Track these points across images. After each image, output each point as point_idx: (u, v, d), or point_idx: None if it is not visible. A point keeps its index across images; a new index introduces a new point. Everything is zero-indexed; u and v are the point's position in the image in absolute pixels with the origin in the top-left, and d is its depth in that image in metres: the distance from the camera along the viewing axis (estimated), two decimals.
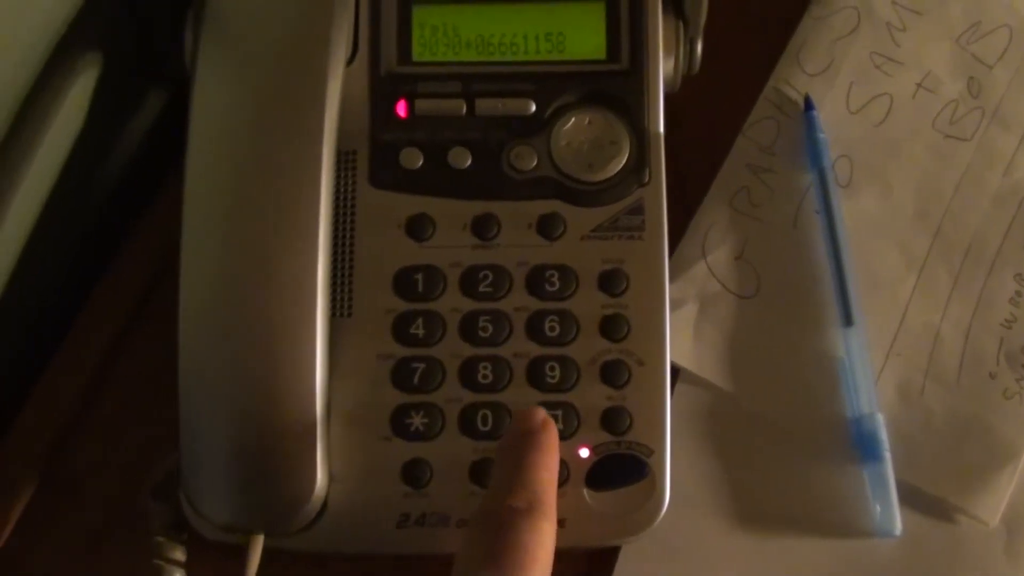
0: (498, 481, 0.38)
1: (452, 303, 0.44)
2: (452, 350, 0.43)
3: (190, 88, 0.43)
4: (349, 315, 0.44)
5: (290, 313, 0.41)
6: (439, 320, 0.43)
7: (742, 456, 0.46)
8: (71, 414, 0.47)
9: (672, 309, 0.45)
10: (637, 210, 0.44)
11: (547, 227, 0.44)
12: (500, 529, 0.35)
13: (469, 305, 0.44)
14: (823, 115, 0.50)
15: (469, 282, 0.44)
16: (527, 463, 0.38)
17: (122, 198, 0.51)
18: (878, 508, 0.45)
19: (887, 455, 0.45)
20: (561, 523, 0.42)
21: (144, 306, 0.48)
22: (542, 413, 0.40)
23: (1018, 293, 0.48)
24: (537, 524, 0.36)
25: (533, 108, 0.45)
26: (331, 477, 0.42)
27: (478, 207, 0.44)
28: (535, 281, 0.44)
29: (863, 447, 0.45)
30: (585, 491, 0.42)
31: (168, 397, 0.41)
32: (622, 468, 0.43)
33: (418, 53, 0.46)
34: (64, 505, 0.46)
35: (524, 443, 0.39)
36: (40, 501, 0.46)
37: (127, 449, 0.46)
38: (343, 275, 0.44)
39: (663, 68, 0.45)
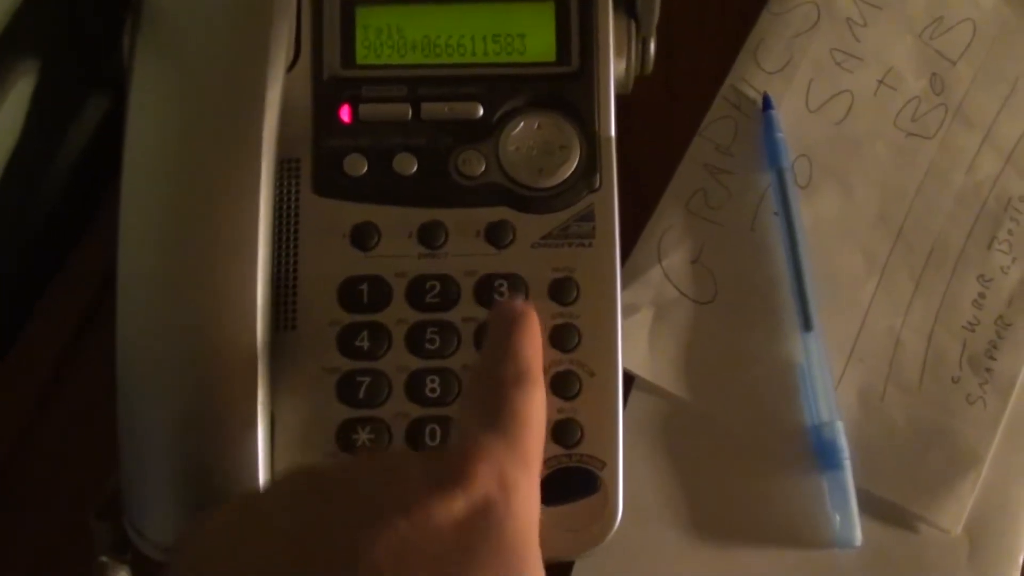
0: (489, 354, 0.38)
1: (398, 314, 0.43)
2: (399, 363, 0.42)
3: (125, 97, 0.41)
4: (293, 328, 0.42)
5: (230, 326, 0.40)
6: (385, 332, 0.42)
7: (699, 466, 0.45)
8: (18, 432, 0.46)
9: (626, 315, 0.44)
10: (588, 217, 0.43)
11: (496, 235, 0.43)
12: (494, 395, 0.36)
13: (416, 316, 0.42)
14: (782, 114, 0.48)
15: (416, 292, 0.43)
16: (514, 338, 0.38)
17: (64, 210, 0.50)
18: (838, 518, 0.44)
19: (847, 463, 0.44)
20: None
21: (92, 319, 0.47)
22: (522, 299, 0.41)
23: (981, 295, 0.47)
24: (530, 389, 0.36)
25: (481, 112, 0.44)
26: None
27: (424, 215, 0.43)
28: (484, 291, 0.43)
29: (822, 455, 0.45)
30: None
31: (115, 414, 0.40)
32: (573, 482, 0.42)
33: (362, 56, 0.44)
34: (12, 524, 0.45)
35: (509, 324, 0.39)
36: None
37: (76, 467, 0.45)
38: (286, 287, 0.43)
39: (614, 69, 0.44)
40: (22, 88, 0.44)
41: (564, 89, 0.44)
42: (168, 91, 0.41)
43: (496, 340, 0.39)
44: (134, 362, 0.40)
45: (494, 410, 0.35)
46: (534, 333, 0.39)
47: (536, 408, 0.36)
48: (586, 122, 0.44)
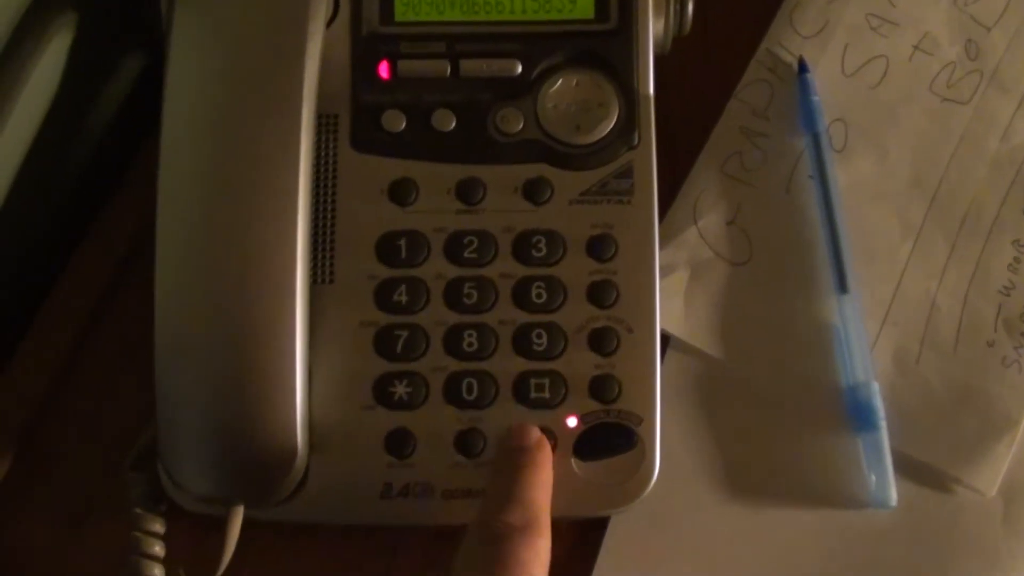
0: (494, 496, 0.38)
1: (436, 269, 0.43)
2: (436, 317, 0.42)
3: (165, 52, 0.41)
4: (331, 282, 0.42)
5: (269, 279, 0.40)
6: (423, 287, 0.42)
7: (734, 426, 0.45)
8: (50, 385, 0.46)
9: (662, 276, 0.44)
10: (626, 174, 0.43)
11: (534, 191, 0.43)
12: (497, 545, 0.36)
13: (454, 271, 0.43)
14: (817, 78, 0.48)
15: (454, 248, 0.43)
16: (523, 481, 0.38)
17: (100, 165, 0.50)
18: (873, 478, 0.44)
19: (883, 424, 0.44)
20: None
21: (123, 274, 0.47)
22: (537, 431, 0.40)
23: (1016, 259, 0.47)
24: (533, 541, 0.36)
25: (519, 69, 0.44)
26: (312, 447, 0.41)
27: (463, 171, 0.43)
28: (521, 247, 0.43)
29: (858, 416, 0.44)
30: (573, 461, 0.41)
31: (151, 366, 0.40)
32: (611, 437, 0.42)
33: (400, 13, 0.44)
34: (46, 476, 0.45)
35: (519, 460, 0.39)
36: (21, 472, 0.45)
37: (108, 421, 0.46)
38: (324, 241, 0.43)
39: (653, 28, 0.44)
40: (60, 42, 0.44)
41: (603, 47, 0.44)
42: (208, 45, 0.42)
43: (501, 480, 0.39)
44: (173, 314, 0.40)
45: (494, 564, 0.35)
46: (545, 472, 0.39)
47: (540, 562, 0.36)
48: (624, 80, 0.44)
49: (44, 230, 0.49)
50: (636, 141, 0.43)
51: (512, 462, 0.39)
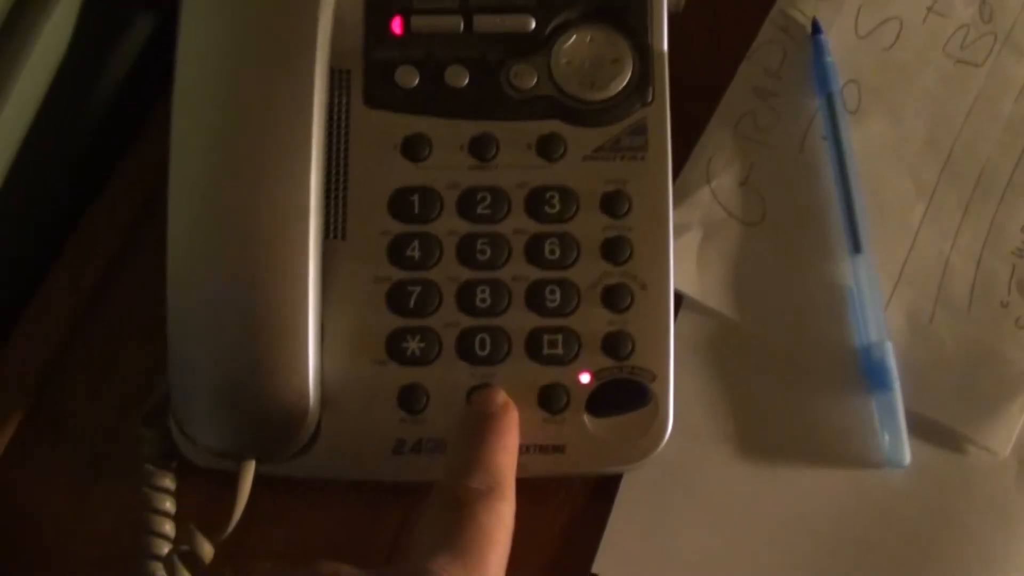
0: (457, 462, 0.38)
1: (449, 225, 0.42)
2: (449, 273, 0.42)
3: (177, 9, 0.41)
4: (343, 237, 0.42)
5: (282, 234, 0.40)
6: (436, 242, 0.42)
7: (747, 385, 0.45)
8: (62, 342, 0.46)
9: (676, 236, 0.43)
10: (640, 130, 0.43)
11: (547, 148, 0.43)
12: (459, 510, 0.35)
13: (467, 227, 0.42)
14: (831, 39, 0.48)
15: (467, 204, 0.43)
16: (487, 446, 0.38)
17: (113, 121, 0.49)
18: (887, 438, 0.44)
19: (896, 384, 0.44)
20: (561, 449, 0.41)
21: (136, 230, 0.47)
22: (502, 395, 0.40)
23: None
24: (496, 505, 0.36)
25: (533, 25, 0.44)
26: (324, 402, 0.41)
27: (476, 127, 0.43)
28: (535, 203, 0.43)
29: (872, 376, 0.44)
30: (586, 417, 0.41)
31: (163, 323, 0.40)
32: (624, 394, 0.42)
33: None
34: (56, 434, 0.45)
35: (483, 425, 0.39)
36: (31, 430, 0.45)
37: (120, 377, 0.45)
38: (337, 196, 0.42)
39: None
40: (68, 3, 0.44)
41: (617, 2, 0.44)
42: (220, 2, 0.41)
43: (466, 444, 0.38)
44: (185, 268, 0.40)
45: (456, 528, 0.35)
46: (510, 436, 0.39)
47: (503, 526, 0.35)
48: (638, 36, 0.44)
49: (55, 190, 0.49)
50: (650, 97, 0.43)
51: (477, 426, 0.39)
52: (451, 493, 0.36)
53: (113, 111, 0.49)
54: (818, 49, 0.48)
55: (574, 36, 0.44)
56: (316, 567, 0.34)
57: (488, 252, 0.42)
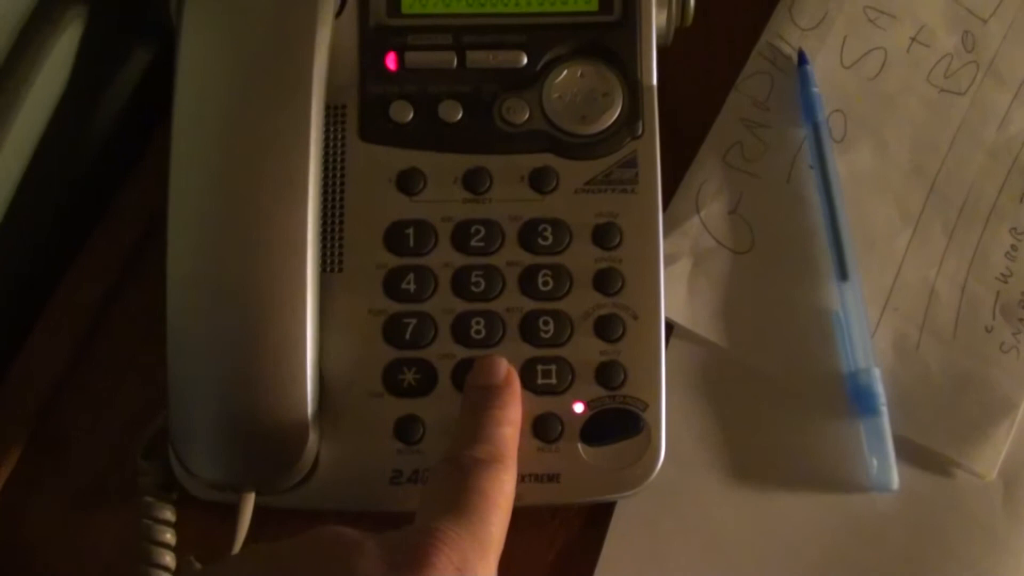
0: (461, 433, 0.39)
1: (444, 258, 0.43)
2: (444, 305, 0.43)
3: (176, 42, 0.42)
4: (340, 270, 0.43)
5: (279, 268, 0.40)
6: (431, 275, 0.43)
7: (737, 412, 0.46)
8: (61, 372, 0.46)
9: (666, 264, 0.44)
10: (630, 163, 0.44)
11: (540, 181, 0.44)
12: (462, 477, 0.36)
13: (461, 260, 0.43)
14: (817, 69, 0.49)
15: (461, 237, 0.43)
16: (489, 417, 0.39)
17: (110, 154, 0.50)
18: (875, 462, 0.45)
19: (884, 409, 0.45)
20: (556, 478, 0.42)
21: (135, 262, 0.48)
22: (504, 365, 0.41)
23: (1013, 247, 0.48)
24: (497, 474, 0.37)
25: (525, 60, 0.44)
26: (323, 434, 0.41)
27: (470, 161, 0.44)
28: (528, 235, 0.43)
29: (859, 401, 0.45)
30: (580, 446, 0.42)
31: (162, 354, 0.40)
32: (617, 423, 0.42)
33: (407, 5, 0.45)
34: (54, 465, 0.45)
35: (486, 397, 0.40)
36: (30, 460, 0.45)
37: (119, 408, 0.46)
38: (333, 230, 0.43)
39: (656, 20, 0.45)
40: (71, 33, 0.44)
41: (607, 38, 0.45)
42: (219, 35, 0.42)
43: (470, 417, 0.39)
44: (184, 303, 0.40)
45: (459, 493, 0.36)
46: (513, 408, 0.40)
47: (504, 493, 0.36)
48: (628, 70, 0.44)
49: (56, 219, 0.49)
50: (640, 131, 0.44)
51: (480, 400, 0.40)
52: (455, 462, 0.37)
53: (113, 140, 0.50)
54: (804, 79, 0.49)
55: (565, 71, 0.44)
56: (318, 530, 0.34)
57: (482, 284, 0.43)
